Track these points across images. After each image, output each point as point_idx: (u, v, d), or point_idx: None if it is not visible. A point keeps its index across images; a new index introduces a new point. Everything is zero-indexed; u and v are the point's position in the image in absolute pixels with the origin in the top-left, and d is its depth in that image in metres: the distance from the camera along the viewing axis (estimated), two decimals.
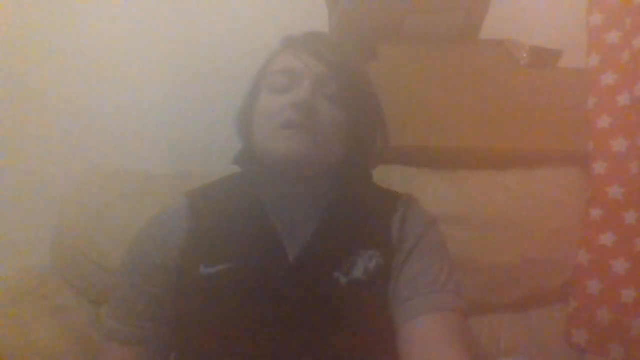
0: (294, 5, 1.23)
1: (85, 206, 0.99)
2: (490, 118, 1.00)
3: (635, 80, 0.93)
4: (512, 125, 1.00)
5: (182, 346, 0.67)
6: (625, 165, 0.93)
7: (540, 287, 0.95)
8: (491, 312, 0.95)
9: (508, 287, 0.95)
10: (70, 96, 1.24)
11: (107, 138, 1.24)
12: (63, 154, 1.23)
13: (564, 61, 1.07)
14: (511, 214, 0.96)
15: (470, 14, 1.04)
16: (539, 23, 1.16)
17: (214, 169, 0.80)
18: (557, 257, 0.95)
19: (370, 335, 0.63)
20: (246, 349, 0.61)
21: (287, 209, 0.69)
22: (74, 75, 1.24)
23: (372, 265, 0.64)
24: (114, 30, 1.25)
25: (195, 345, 0.64)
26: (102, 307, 0.93)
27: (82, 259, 0.95)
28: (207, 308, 0.63)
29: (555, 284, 0.95)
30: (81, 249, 0.96)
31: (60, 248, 0.99)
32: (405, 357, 0.60)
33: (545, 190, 0.99)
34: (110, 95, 1.25)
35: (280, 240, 0.66)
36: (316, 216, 0.68)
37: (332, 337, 0.61)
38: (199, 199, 0.73)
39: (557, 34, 1.10)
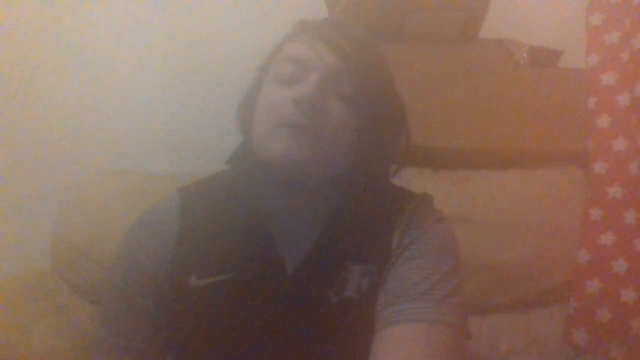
0: (294, 4, 1.23)
1: (85, 206, 0.99)
2: (490, 118, 1.00)
3: (635, 80, 0.93)
4: (512, 125, 1.00)
5: (174, 357, 0.64)
6: (625, 165, 0.93)
7: (540, 287, 0.95)
8: (491, 312, 0.95)
9: (508, 287, 0.95)
10: (70, 96, 1.24)
11: (107, 138, 1.24)
12: (63, 154, 1.23)
13: (564, 61, 1.07)
14: (511, 214, 0.96)
15: (470, 14, 1.04)
16: (539, 23, 1.16)
17: (214, 169, 0.79)
18: (557, 257, 0.95)
19: (361, 355, 0.56)
20: None
21: (286, 217, 0.62)
22: (74, 75, 1.24)
23: (365, 283, 0.58)
24: (114, 29, 1.25)
25: (186, 358, 0.61)
26: None
27: (82, 259, 0.95)
28: (198, 323, 0.59)
29: (555, 284, 0.95)
30: (81, 249, 0.95)
31: (60, 248, 0.99)
32: None
33: (545, 190, 0.99)
34: (110, 95, 1.25)
35: (278, 252, 0.61)
36: (317, 226, 0.62)
37: (322, 357, 0.58)
38: (192, 199, 0.67)
39: (557, 34, 1.10)
